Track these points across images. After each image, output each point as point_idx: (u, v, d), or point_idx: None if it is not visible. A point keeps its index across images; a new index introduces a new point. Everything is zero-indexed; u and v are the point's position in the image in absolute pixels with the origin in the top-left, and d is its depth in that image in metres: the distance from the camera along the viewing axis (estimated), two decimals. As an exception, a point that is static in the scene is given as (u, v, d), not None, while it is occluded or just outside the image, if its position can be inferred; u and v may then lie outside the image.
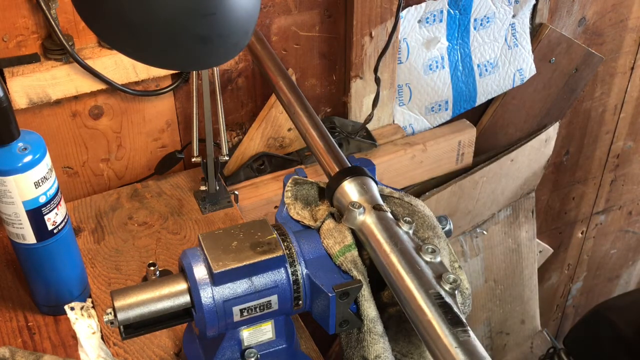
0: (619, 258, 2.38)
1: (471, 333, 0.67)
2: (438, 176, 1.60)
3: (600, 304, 1.72)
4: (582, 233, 2.19)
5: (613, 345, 1.59)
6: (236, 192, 1.27)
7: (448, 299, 0.70)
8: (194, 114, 1.17)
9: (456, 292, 0.72)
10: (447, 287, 0.72)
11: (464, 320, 0.68)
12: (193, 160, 1.19)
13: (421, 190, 1.61)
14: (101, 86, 1.16)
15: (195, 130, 1.18)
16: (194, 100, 1.16)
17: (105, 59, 1.14)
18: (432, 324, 0.68)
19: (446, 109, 1.57)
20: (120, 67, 1.15)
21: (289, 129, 1.37)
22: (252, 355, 0.86)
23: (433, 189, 1.61)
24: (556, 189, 1.99)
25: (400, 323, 0.83)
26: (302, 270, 0.81)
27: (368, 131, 1.47)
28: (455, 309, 0.69)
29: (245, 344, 0.86)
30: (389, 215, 0.82)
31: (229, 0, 0.65)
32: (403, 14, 1.39)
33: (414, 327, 0.71)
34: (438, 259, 0.76)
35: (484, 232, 1.78)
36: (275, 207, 1.36)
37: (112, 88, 1.17)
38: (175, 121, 1.29)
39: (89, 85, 1.15)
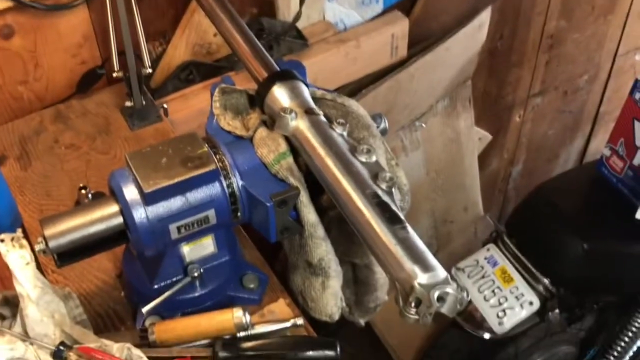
0: (556, 138, 2.43)
1: (410, 229, 0.67)
2: (374, 72, 1.57)
3: (539, 185, 1.76)
4: (519, 117, 2.21)
5: (551, 222, 1.64)
6: (165, 106, 1.22)
7: (385, 198, 0.70)
8: (110, 26, 1.11)
9: (393, 189, 0.72)
10: (383, 186, 0.71)
11: (403, 217, 0.68)
12: (114, 75, 1.14)
13: (357, 88, 1.58)
14: (9, 4, 1.09)
15: (113, 43, 1.12)
16: (109, 10, 1.10)
17: (7, -27, 1.06)
18: (370, 223, 0.68)
19: (377, 1, 1.52)
20: (24, -20, 1.07)
21: (215, 34, 1.31)
22: (194, 270, 0.85)
23: (369, 85, 1.58)
24: (492, 74, 1.99)
25: (341, 225, 0.82)
26: (237, 182, 0.79)
27: (298, 30, 1.42)
28: (393, 207, 0.69)
29: (187, 259, 0.85)
30: (322, 118, 0.80)
31: None
32: None
33: (353, 229, 0.71)
34: (374, 159, 0.75)
35: (423, 124, 1.78)
36: (209, 117, 1.32)
37: (20, 4, 1.09)
38: (92, 35, 1.22)
39: (-6, 3, 1.07)
